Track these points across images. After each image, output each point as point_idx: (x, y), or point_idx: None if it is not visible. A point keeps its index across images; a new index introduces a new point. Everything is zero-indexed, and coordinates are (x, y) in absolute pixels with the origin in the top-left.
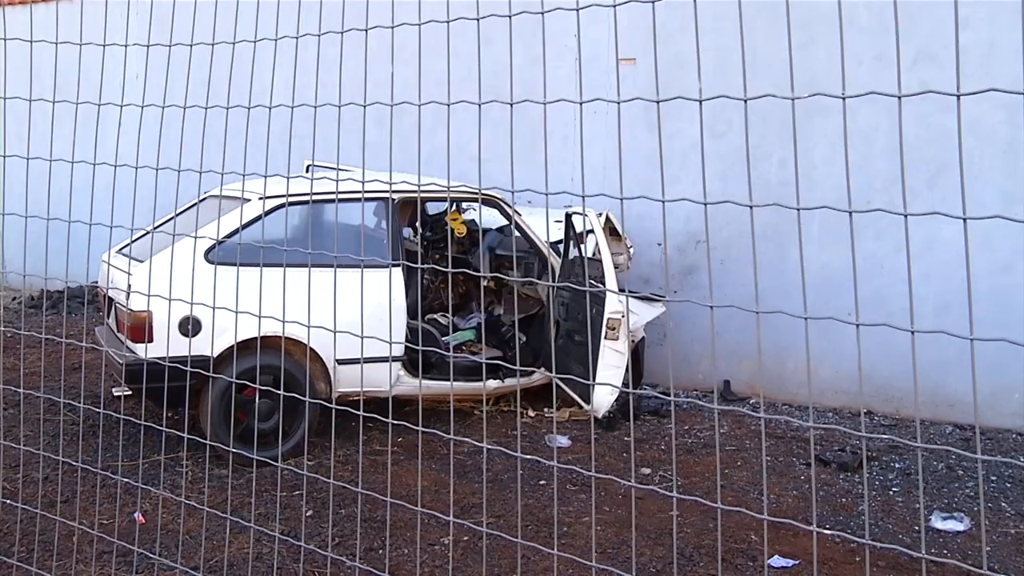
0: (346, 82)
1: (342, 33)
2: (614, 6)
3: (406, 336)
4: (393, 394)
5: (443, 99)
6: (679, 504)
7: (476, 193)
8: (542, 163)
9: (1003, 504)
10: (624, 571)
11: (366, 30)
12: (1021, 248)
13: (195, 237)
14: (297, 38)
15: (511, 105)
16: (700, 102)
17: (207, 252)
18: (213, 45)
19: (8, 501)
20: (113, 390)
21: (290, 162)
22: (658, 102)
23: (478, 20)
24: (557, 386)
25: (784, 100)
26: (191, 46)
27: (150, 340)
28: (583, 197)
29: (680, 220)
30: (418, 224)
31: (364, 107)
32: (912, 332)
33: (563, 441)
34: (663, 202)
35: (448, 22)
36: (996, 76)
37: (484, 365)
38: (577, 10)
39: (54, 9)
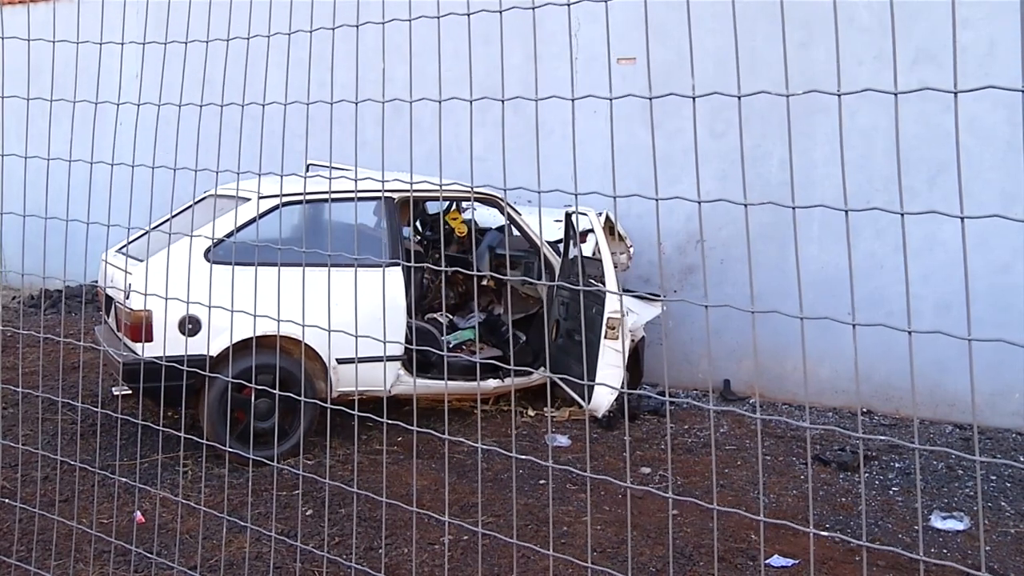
0: (348, 80)
1: (333, 29)
2: (606, 1)
3: (405, 336)
4: (393, 393)
5: (445, 98)
6: (680, 503)
7: (470, 192)
8: (542, 161)
9: (1003, 504)
10: (623, 571)
11: (356, 26)
12: (1020, 248)
13: (191, 236)
14: (289, 35)
15: (503, 102)
16: (693, 99)
17: (206, 251)
18: (208, 43)
19: (7, 500)
20: (112, 389)
21: (284, 160)
22: (651, 99)
23: (468, 16)
24: (557, 386)
25: (785, 100)
26: (186, 43)
27: (149, 339)
28: (576, 195)
29: (680, 219)
30: (417, 223)
31: (356, 104)
32: (909, 332)
33: (563, 441)
34: (657, 200)
35: (439, 17)
36: (996, 76)
37: (482, 364)
38: (568, 5)
39: (52, 8)
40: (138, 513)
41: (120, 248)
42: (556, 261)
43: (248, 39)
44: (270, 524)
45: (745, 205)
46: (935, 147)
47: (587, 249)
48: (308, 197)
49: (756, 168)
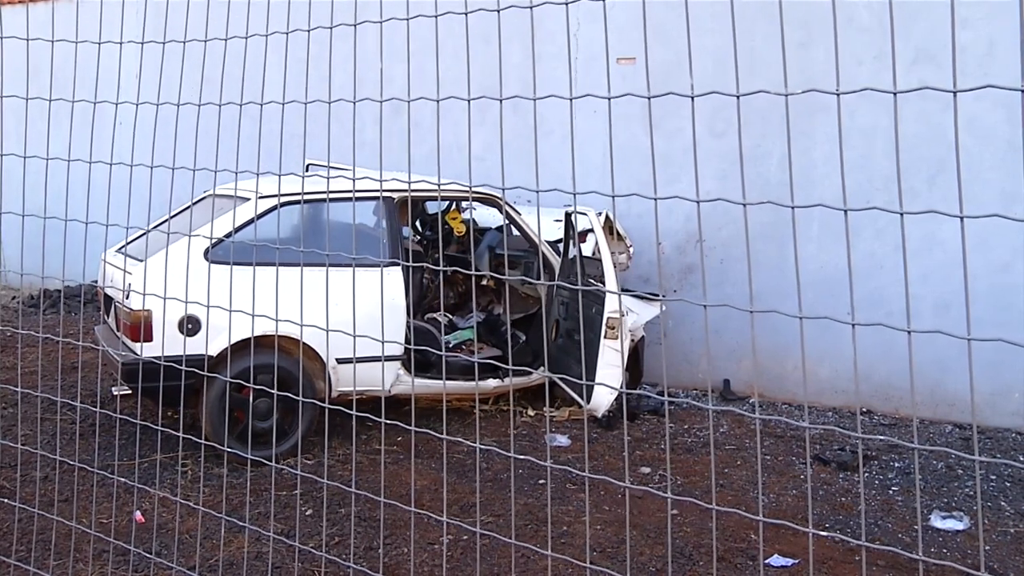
0: (347, 80)
1: (331, 29)
2: (605, 1)
3: (405, 335)
4: (392, 393)
5: (443, 97)
6: (679, 503)
7: (469, 191)
8: (542, 161)
9: (1002, 503)
10: (623, 571)
11: (355, 25)
12: (1019, 247)
13: (190, 236)
14: (287, 34)
15: (501, 102)
16: (692, 99)
17: (205, 251)
18: (206, 43)
19: (6, 500)
20: (112, 389)
21: (282, 160)
22: (649, 98)
23: (466, 15)
24: (556, 385)
25: (784, 100)
26: (184, 43)
27: (148, 339)
28: (574, 195)
29: (680, 219)
30: (416, 223)
31: (354, 103)
32: (909, 332)
33: (563, 440)
34: (656, 200)
35: (436, 16)
36: (995, 75)
37: (481, 364)
38: (567, 4)
39: (51, 8)
40: (137, 513)
41: (119, 248)
42: (556, 261)
43: (246, 38)
44: (269, 524)
45: (744, 205)
46: (935, 147)
47: (587, 249)
48: (307, 197)
49: (756, 168)
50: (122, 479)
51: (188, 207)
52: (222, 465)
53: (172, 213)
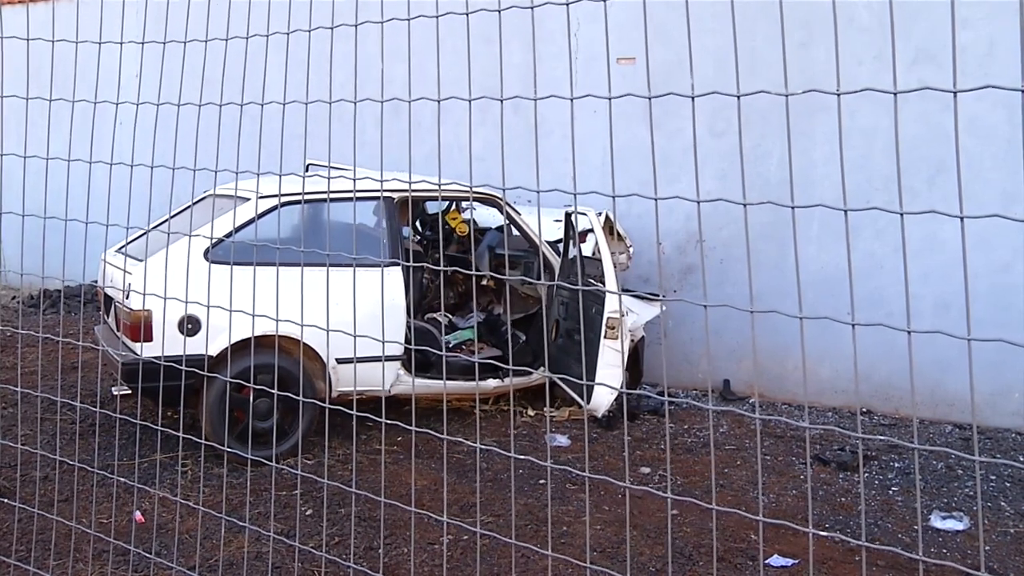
0: (347, 80)
1: (332, 29)
2: (605, 1)
3: (405, 335)
4: (392, 393)
5: (444, 98)
6: (679, 503)
7: (470, 191)
8: (542, 161)
9: (1002, 503)
10: (623, 571)
11: (355, 26)
12: (1020, 248)
13: (190, 236)
14: (288, 34)
15: (502, 102)
16: (693, 99)
17: (205, 251)
18: (207, 43)
19: (6, 500)
20: (112, 389)
21: (283, 160)
22: (650, 98)
23: (467, 15)
24: (556, 385)
25: (784, 100)
26: (185, 43)
27: (148, 339)
28: (575, 195)
29: (680, 219)
30: (416, 223)
31: (355, 103)
32: (909, 332)
33: (563, 441)
34: (656, 200)
35: (437, 17)
36: (995, 75)
37: (481, 364)
38: (567, 5)
39: (51, 8)
40: (137, 513)
41: (119, 248)
42: (556, 261)
43: (247, 39)
44: (269, 524)
45: (745, 205)
46: (935, 147)
47: (587, 249)
48: (307, 197)
49: (756, 168)
50: (122, 479)
51: (188, 207)
52: (222, 465)
53: (172, 213)
